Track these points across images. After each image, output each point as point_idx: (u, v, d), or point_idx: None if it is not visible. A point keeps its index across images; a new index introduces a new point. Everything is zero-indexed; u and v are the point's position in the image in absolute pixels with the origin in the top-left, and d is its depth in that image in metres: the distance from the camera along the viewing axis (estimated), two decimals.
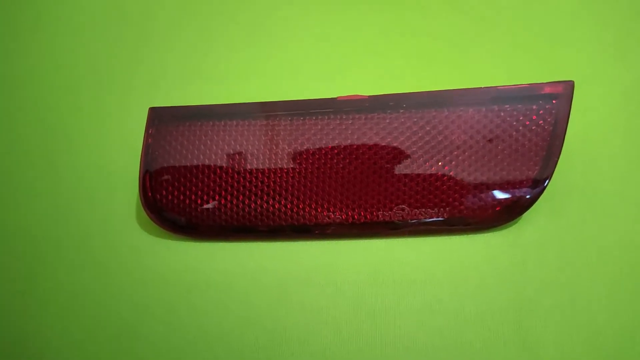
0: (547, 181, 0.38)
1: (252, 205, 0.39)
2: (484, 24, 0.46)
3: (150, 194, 0.40)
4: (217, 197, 0.40)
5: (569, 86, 0.37)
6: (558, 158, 0.38)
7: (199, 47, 0.48)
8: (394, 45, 0.46)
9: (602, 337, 0.36)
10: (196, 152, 0.40)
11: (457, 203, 0.39)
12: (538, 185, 0.38)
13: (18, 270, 0.42)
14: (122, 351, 0.39)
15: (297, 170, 0.39)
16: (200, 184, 0.40)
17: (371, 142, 0.39)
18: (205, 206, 0.40)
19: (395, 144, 0.39)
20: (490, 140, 0.38)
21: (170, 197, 0.40)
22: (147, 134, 0.40)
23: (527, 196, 0.38)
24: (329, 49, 0.46)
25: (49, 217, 0.43)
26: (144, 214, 0.41)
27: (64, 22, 0.52)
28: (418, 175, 0.39)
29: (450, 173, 0.38)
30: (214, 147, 0.40)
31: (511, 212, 0.38)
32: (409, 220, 0.39)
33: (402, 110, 0.39)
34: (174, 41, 0.49)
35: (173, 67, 0.47)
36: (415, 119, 0.39)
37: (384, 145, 0.39)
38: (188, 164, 0.40)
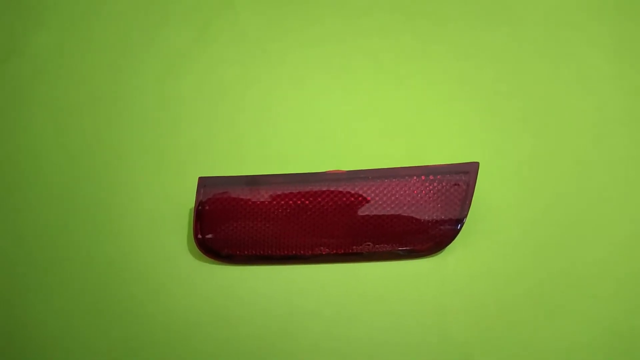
0: (461, 224, 0.58)
1: (270, 242, 0.59)
2: (420, 116, 0.66)
3: (200, 235, 0.59)
4: (247, 238, 0.59)
5: (476, 165, 0.58)
6: (468, 209, 0.58)
7: (222, 125, 0.67)
8: (368, 127, 0.66)
9: (503, 333, 0.57)
10: (231, 207, 0.60)
11: (404, 240, 0.59)
12: (456, 227, 0.59)
13: (88, 295, 0.61)
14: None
15: (299, 220, 0.59)
16: (234, 228, 0.60)
17: (348, 201, 0.59)
18: (239, 241, 0.60)
19: (363, 202, 0.59)
20: (425, 199, 0.59)
21: (213, 236, 0.60)
22: (198, 194, 0.59)
23: (448, 237, 0.59)
24: (318, 132, 0.66)
25: (117, 255, 0.62)
26: (194, 248, 0.60)
27: (117, 102, 0.70)
28: (379, 221, 0.59)
29: (400, 220, 0.59)
30: (243, 204, 0.59)
31: (439, 245, 0.59)
32: (373, 252, 0.59)
33: (368, 180, 0.59)
34: (201, 122, 0.68)
35: (207, 141, 0.67)
36: (377, 186, 0.59)
37: (357, 203, 0.59)
38: (225, 215, 0.60)
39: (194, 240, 0.60)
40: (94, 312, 0.61)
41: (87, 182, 0.66)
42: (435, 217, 0.59)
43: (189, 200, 0.60)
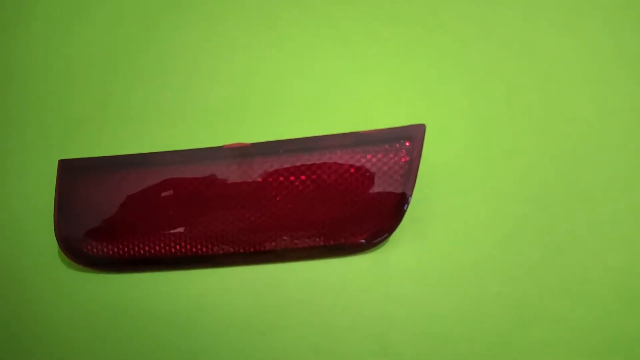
0: (407, 204, 0.44)
1: (155, 242, 0.45)
2: (350, 74, 0.52)
3: (63, 234, 0.45)
4: (124, 235, 0.45)
5: (421, 129, 0.44)
6: (412, 189, 0.44)
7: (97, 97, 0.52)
8: (277, 94, 0.51)
9: (449, 341, 0.44)
10: (103, 197, 0.45)
11: (332, 232, 0.45)
12: (398, 212, 0.45)
13: None
14: None
15: (192, 210, 0.45)
16: (108, 224, 0.45)
17: (254, 184, 0.45)
18: (113, 241, 0.45)
19: (275, 184, 0.45)
20: (356, 177, 0.44)
21: (83, 236, 0.45)
22: (59, 182, 0.45)
23: (390, 223, 0.45)
24: (215, 96, 0.51)
25: None
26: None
27: None
28: (297, 209, 0.45)
29: (325, 206, 0.45)
30: (116, 192, 0.45)
31: (377, 237, 0.45)
32: (291, 248, 0.45)
33: (281, 155, 0.45)
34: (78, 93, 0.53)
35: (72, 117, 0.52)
36: (292, 161, 0.45)
37: (267, 185, 0.45)
38: (96, 207, 0.45)
39: (56, 239, 0.45)
40: None
41: None
42: (371, 199, 0.45)
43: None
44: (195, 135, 0.49)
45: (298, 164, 0.45)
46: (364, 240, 0.45)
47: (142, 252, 0.45)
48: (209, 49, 0.53)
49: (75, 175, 0.45)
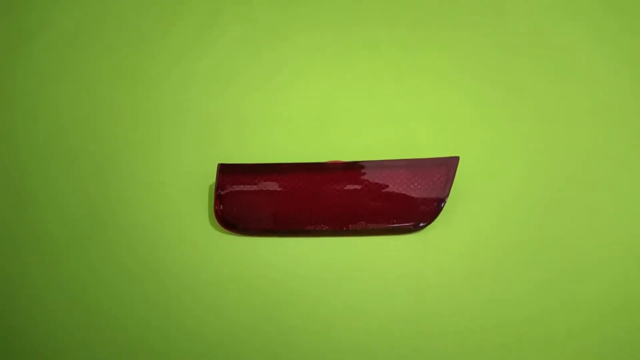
0: (444, 202, 0.69)
1: (279, 219, 0.70)
2: (412, 109, 0.75)
3: (220, 212, 0.70)
4: (260, 216, 0.70)
5: (456, 159, 0.68)
6: (449, 190, 0.68)
7: (231, 109, 0.76)
8: (364, 115, 0.75)
9: (468, 300, 0.70)
10: (247, 189, 0.70)
11: (392, 219, 0.70)
12: (437, 209, 0.69)
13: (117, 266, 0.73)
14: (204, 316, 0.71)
15: (304, 202, 0.70)
16: (248, 207, 0.70)
17: (345, 187, 0.69)
18: (253, 218, 0.71)
19: (359, 188, 0.69)
20: (411, 186, 0.69)
21: (231, 213, 0.70)
22: (217, 179, 0.69)
23: (430, 216, 0.70)
24: (322, 124, 0.75)
25: (155, 229, 0.73)
26: (213, 221, 0.71)
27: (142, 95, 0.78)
28: (372, 204, 0.69)
29: (389, 203, 0.69)
30: (256, 187, 0.70)
31: (421, 223, 0.70)
32: (365, 229, 0.70)
33: (363, 169, 0.69)
34: (212, 105, 0.76)
35: (217, 123, 0.76)
36: (370, 174, 0.69)
37: (353, 189, 0.69)
38: (241, 196, 0.70)
39: (214, 216, 0.70)
40: (125, 271, 0.72)
41: (112, 158, 0.76)
42: (420, 200, 0.69)
43: (207, 178, 0.72)
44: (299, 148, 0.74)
45: (374, 176, 0.69)
46: (412, 226, 0.70)
47: (270, 227, 0.70)
48: (307, 81, 0.76)
49: (228, 175, 0.70)
